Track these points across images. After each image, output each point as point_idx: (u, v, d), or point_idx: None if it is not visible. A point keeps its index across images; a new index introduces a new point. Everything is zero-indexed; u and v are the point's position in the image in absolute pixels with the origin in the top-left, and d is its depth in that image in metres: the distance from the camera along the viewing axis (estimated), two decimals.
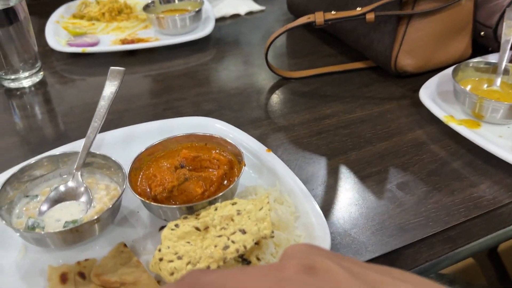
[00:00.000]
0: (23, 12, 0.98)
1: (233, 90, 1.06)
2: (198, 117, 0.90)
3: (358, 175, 0.77)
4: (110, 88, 0.78)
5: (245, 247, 0.55)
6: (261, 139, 0.82)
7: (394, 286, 0.27)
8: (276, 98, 1.03)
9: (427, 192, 0.73)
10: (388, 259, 0.63)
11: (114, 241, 0.66)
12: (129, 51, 1.22)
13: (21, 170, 0.69)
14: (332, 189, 0.75)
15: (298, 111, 0.96)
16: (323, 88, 1.05)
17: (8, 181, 0.66)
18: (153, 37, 1.29)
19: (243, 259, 0.57)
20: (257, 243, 0.57)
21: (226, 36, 1.34)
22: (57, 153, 0.72)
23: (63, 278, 0.58)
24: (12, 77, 1.05)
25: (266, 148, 0.78)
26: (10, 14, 0.96)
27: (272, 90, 1.06)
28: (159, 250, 0.59)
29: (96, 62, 1.18)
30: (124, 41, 1.26)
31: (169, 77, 1.12)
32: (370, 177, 0.77)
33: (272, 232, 0.55)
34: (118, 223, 0.69)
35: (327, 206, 0.71)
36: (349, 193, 0.74)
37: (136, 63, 1.18)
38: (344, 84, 1.06)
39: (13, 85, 1.06)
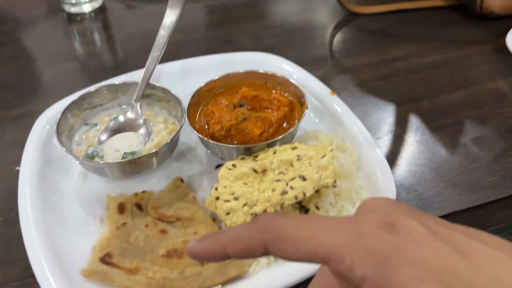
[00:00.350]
0: None
1: (296, 25, 0.99)
2: (259, 52, 0.85)
3: (429, 126, 0.71)
4: (170, 17, 0.74)
5: (304, 194, 0.52)
6: (324, 80, 0.77)
7: (484, 253, 0.23)
8: (342, 35, 0.96)
9: (506, 149, 0.66)
10: (456, 218, 0.58)
11: (170, 175, 0.66)
12: None
13: (81, 97, 0.68)
14: (399, 139, 0.69)
15: (365, 51, 0.89)
16: (395, 26, 0.95)
17: (68, 108, 0.66)
18: None
19: (301, 206, 0.55)
20: (316, 191, 0.54)
21: None
22: (117, 83, 0.71)
23: (121, 208, 0.59)
24: (73, 1, 1.04)
25: (330, 91, 0.73)
26: None
27: (338, 26, 0.98)
28: (216, 189, 0.58)
29: None
30: None
31: (228, 8, 1.06)
32: (443, 128, 0.70)
33: (335, 181, 0.52)
34: (175, 158, 0.69)
35: (392, 157, 0.67)
36: (418, 144, 0.68)
37: None
38: (420, 23, 0.96)
39: (73, 10, 1.05)
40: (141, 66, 0.74)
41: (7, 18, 1.06)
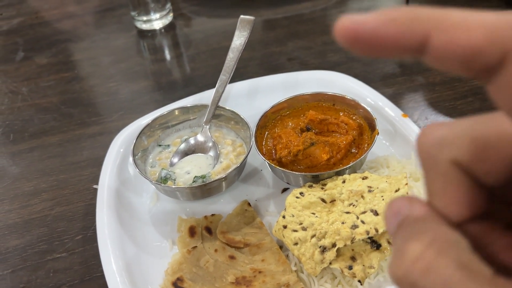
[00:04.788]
0: None
1: None
2: (325, 71, 0.84)
3: None
4: (239, 39, 0.75)
5: (376, 230, 0.51)
6: (394, 99, 0.75)
7: None
8: None
9: None
10: None
11: (237, 197, 0.67)
12: None
13: (155, 119, 0.71)
14: None
15: None
16: None
17: (143, 131, 0.69)
18: None
19: (372, 241, 0.53)
20: None
21: None
22: (188, 105, 0.73)
23: (191, 231, 0.61)
24: (144, 18, 1.08)
25: (402, 113, 0.70)
26: None
27: None
28: (283, 217, 0.58)
29: (221, 4, 1.16)
30: None
31: (294, 22, 1.05)
32: None
33: None
34: (242, 180, 0.69)
35: None
36: None
37: (261, 5, 1.13)
38: None
39: (145, 26, 1.09)
40: (209, 83, 0.75)
41: (83, 36, 1.13)
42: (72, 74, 1.00)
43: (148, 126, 0.70)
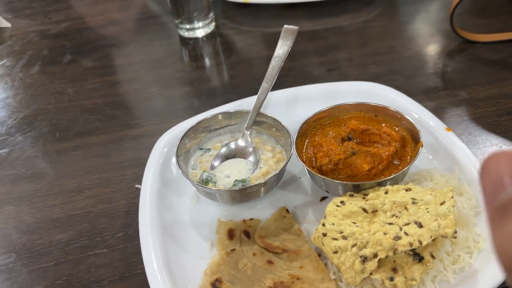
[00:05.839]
0: None
1: (405, 52, 0.96)
2: (366, 82, 0.83)
3: None
4: (282, 48, 0.77)
5: (420, 242, 0.50)
6: (437, 113, 0.74)
7: None
8: (456, 64, 0.91)
9: None
10: None
11: (275, 203, 0.67)
12: (293, 4, 1.19)
13: (198, 123, 0.72)
14: None
15: (483, 83, 0.83)
16: None
17: (187, 133, 0.71)
18: None
19: (415, 253, 0.52)
20: (433, 240, 0.52)
21: None
22: (231, 110, 0.74)
23: (230, 234, 0.62)
24: (187, 26, 1.11)
25: (446, 127, 0.69)
26: None
27: (451, 54, 0.93)
28: (323, 225, 0.58)
29: (262, 15, 1.17)
30: None
31: (335, 34, 1.06)
32: None
33: (455, 232, 0.49)
34: (280, 186, 0.70)
35: None
36: None
37: (301, 17, 1.14)
38: None
39: (187, 34, 1.12)
40: (247, 91, 0.76)
41: (127, 41, 1.17)
42: (116, 77, 1.03)
43: (192, 129, 0.71)
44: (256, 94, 0.75)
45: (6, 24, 1.24)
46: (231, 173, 0.68)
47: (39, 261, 0.65)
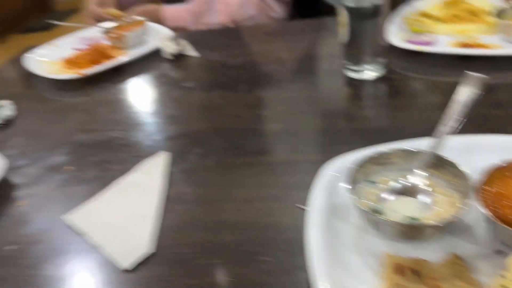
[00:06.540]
0: (385, 9, 1.06)
1: None
2: None
3: None
4: (464, 95, 0.76)
5: None
6: None
7: None
8: None
9: None
10: None
11: (444, 248, 0.65)
12: (465, 56, 1.16)
13: (371, 155, 0.74)
14: None
15: None
16: None
17: (356, 163, 0.73)
18: (496, 44, 1.18)
19: None
20: None
21: None
22: (406, 148, 0.75)
23: (398, 269, 0.61)
24: (356, 68, 1.15)
25: None
26: (376, 10, 1.05)
27: None
28: (502, 276, 0.54)
29: (432, 63, 1.17)
30: (463, 45, 1.20)
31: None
32: None
33: None
34: (451, 231, 0.67)
35: None
36: None
37: (477, 69, 1.10)
38: None
39: (355, 75, 1.16)
40: (414, 135, 0.78)
41: (289, 79, 1.26)
42: (284, 108, 1.12)
43: (361, 160, 0.73)
44: (423, 138, 0.75)
45: (195, 53, 1.44)
46: (400, 210, 0.68)
47: (211, 257, 0.72)
